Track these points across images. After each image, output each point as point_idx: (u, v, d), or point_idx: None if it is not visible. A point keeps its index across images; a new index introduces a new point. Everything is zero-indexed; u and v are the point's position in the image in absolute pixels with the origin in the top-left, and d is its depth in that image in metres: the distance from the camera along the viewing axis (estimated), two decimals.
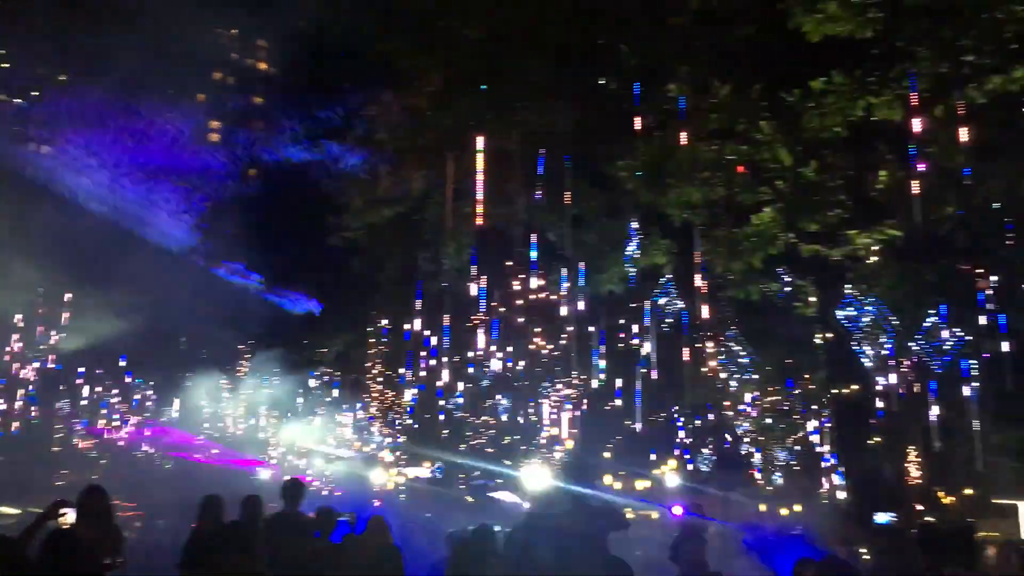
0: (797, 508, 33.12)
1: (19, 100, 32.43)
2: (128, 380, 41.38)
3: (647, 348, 26.60)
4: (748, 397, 29.10)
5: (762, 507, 34.45)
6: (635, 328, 28.40)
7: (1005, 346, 20.28)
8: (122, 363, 40.50)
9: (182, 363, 42.22)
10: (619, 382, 32.45)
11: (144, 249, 33.93)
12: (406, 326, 29.80)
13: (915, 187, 14.87)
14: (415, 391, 32.40)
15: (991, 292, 20.22)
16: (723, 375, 26.43)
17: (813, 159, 16.40)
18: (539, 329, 23.20)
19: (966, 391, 22.23)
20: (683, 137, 16.10)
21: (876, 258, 16.66)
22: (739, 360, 26.89)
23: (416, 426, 37.49)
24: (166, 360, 41.40)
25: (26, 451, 36.41)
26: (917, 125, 14.45)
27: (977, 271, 19.47)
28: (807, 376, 27.18)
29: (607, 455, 38.00)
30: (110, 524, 9.01)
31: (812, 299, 20.21)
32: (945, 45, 14.33)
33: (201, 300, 36.05)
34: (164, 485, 38.66)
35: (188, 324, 39.20)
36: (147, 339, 38.80)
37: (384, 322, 32.62)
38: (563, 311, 22.95)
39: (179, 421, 42.94)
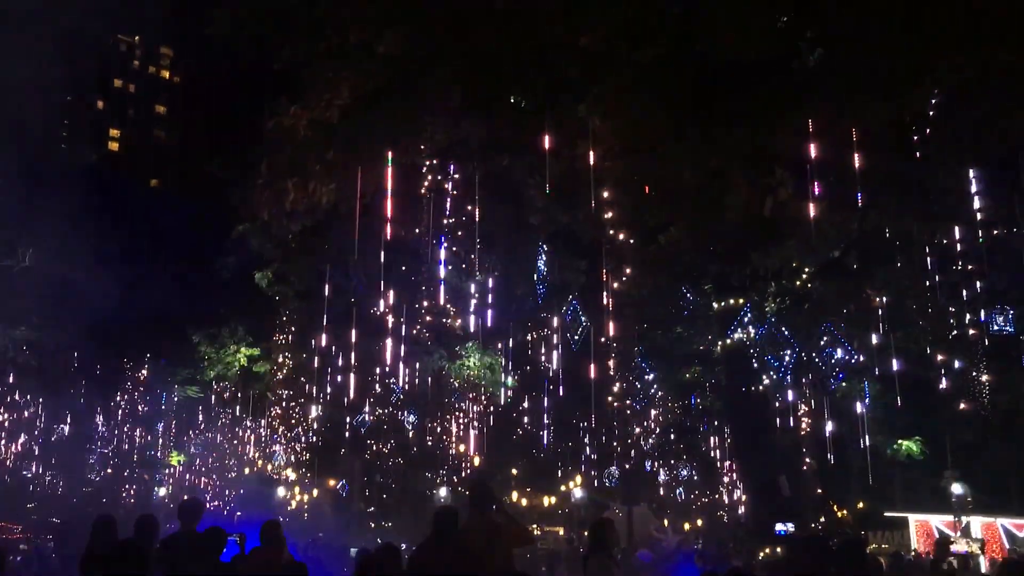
0: (699, 522, 33.78)
1: None
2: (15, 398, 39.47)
3: (554, 363, 26.85)
4: (653, 413, 29.56)
5: (665, 522, 35.00)
6: (543, 345, 28.65)
7: (895, 364, 21.16)
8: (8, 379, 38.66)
9: (75, 380, 40.61)
10: (526, 399, 32.69)
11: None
12: (312, 341, 29.36)
13: (811, 210, 15.43)
14: (319, 408, 31.85)
15: (880, 312, 21.13)
16: (628, 392, 26.80)
17: (716, 179, 16.83)
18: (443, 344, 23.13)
19: (859, 407, 23.07)
20: (591, 156, 16.31)
21: (774, 281, 17.19)
22: (644, 377, 27.34)
23: (320, 443, 36.89)
24: (56, 376, 39.78)
25: None
26: (813, 151, 15.00)
27: (868, 292, 20.32)
28: (709, 393, 27.82)
29: (514, 471, 38.09)
30: None
31: (714, 315, 20.69)
32: (843, 73, 14.91)
33: (95, 315, 35.05)
34: (52, 505, 37.10)
35: (81, 340, 37.95)
36: (35, 355, 37.35)
37: (288, 337, 32.03)
38: (471, 327, 22.95)
39: (70, 439, 41.15)
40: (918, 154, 17.63)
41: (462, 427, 27.72)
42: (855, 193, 16.43)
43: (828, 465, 25.79)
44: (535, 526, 39.49)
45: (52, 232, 33.88)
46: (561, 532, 38.95)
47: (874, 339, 20.53)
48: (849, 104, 14.82)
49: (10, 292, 33.20)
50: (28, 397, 39.34)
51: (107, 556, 7.30)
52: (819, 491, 26.61)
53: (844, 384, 21.79)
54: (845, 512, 28.91)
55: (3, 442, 38.36)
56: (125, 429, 41.81)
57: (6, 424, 38.77)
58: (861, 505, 28.76)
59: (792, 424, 24.10)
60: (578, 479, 38.60)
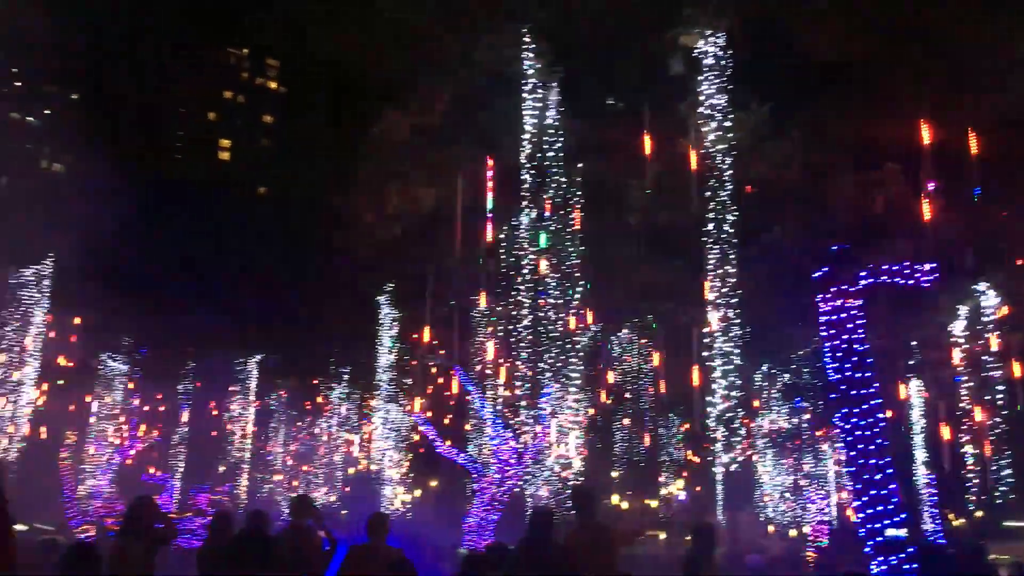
0: (806, 530, 32.90)
1: None
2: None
3: (655, 361, 26.66)
4: (759, 417, 28.97)
5: (771, 528, 34.25)
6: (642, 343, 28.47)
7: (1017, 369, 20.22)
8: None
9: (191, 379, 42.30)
10: (625, 401, 32.50)
11: None
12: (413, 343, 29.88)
13: (925, 206, 14.89)
14: (423, 408, 32.31)
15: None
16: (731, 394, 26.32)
17: (822, 178, 16.45)
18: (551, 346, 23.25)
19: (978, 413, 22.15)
20: (692, 157, 16.16)
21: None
22: (752, 378, 26.82)
23: (422, 449, 37.49)
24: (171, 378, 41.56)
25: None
26: (926, 145, 14.47)
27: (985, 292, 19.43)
28: (814, 396, 27.10)
29: (615, 475, 37.91)
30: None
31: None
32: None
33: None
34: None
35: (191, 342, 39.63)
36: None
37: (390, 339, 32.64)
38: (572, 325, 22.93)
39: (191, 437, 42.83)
40: None
41: (563, 430, 27.69)
42: (972, 187, 15.78)
43: (943, 472, 24.81)
44: (636, 530, 39.21)
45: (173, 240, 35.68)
46: (663, 536, 38.61)
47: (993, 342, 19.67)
48: (959, 96, 14.28)
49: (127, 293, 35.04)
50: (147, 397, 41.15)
51: (227, 549, 7.62)
52: (934, 498, 25.60)
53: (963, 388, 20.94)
54: (962, 520, 27.77)
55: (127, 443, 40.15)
56: (236, 427, 43.29)
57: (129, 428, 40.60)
58: (980, 514, 27.58)
59: (904, 429, 23.28)
60: (680, 483, 38.15)
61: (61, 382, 38.63)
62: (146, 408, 41.32)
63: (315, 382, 41.55)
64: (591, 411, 31.08)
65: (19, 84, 73.41)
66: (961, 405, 22.01)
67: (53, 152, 75.06)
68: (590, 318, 22.59)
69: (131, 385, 39.74)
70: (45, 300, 34.51)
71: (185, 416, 42.10)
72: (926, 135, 14.50)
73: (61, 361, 38.05)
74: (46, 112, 75.78)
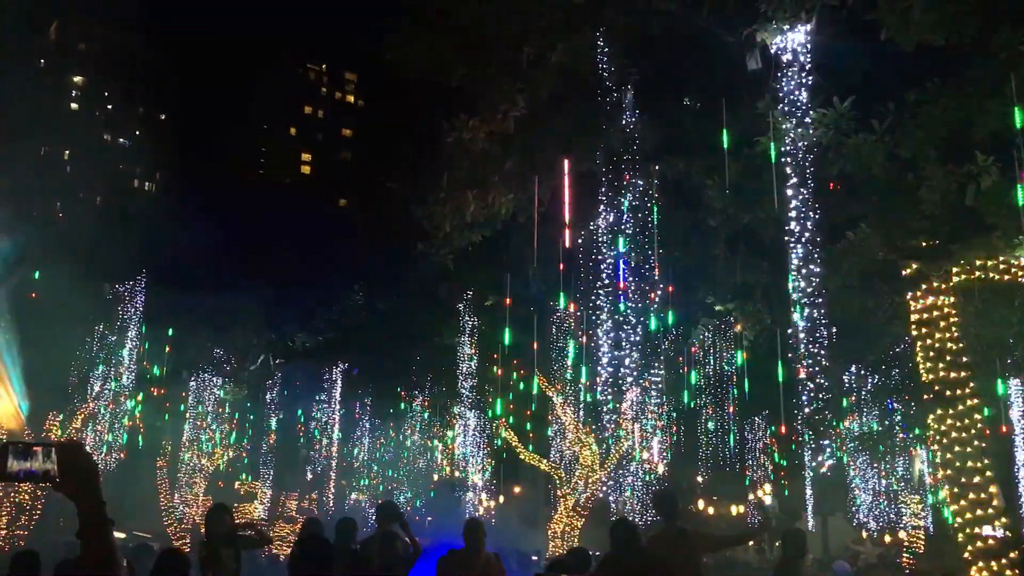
0: (901, 535, 31.89)
1: None
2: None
3: (739, 362, 26.24)
4: (847, 421, 28.24)
5: (863, 533, 33.34)
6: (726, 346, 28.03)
7: None
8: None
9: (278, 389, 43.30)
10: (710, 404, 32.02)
11: None
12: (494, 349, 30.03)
13: (1021, 197, 14.25)
14: (501, 417, 32.43)
15: None
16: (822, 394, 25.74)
17: (909, 172, 15.91)
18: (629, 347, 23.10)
19: None
20: (772, 153, 15.82)
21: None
22: (840, 379, 26.20)
23: (504, 456, 37.64)
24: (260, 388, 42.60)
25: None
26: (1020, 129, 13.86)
27: None
28: (907, 396, 26.26)
29: (700, 479, 37.39)
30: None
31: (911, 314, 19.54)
32: None
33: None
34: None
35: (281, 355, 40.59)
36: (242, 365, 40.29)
37: (469, 350, 32.89)
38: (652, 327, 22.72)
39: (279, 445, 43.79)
40: None
41: (646, 433, 27.48)
42: None
43: None
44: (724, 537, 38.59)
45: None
46: (751, 542, 37.90)
47: None
48: None
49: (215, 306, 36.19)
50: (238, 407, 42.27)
51: (310, 556, 7.80)
52: None
53: None
54: None
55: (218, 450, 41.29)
56: (323, 436, 44.14)
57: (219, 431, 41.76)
58: None
59: (1005, 429, 22.37)
60: (767, 487, 37.42)
61: (156, 392, 40.00)
62: (236, 418, 42.47)
63: (398, 390, 42.13)
64: (674, 415, 30.76)
65: (110, 107, 76.47)
66: None
67: (143, 172, 78.04)
68: (671, 319, 22.35)
69: (222, 395, 40.86)
70: (139, 314, 35.82)
71: (273, 424, 43.13)
72: (1020, 122, 13.89)
73: (155, 372, 39.40)
74: (136, 133, 78.78)
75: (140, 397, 38.66)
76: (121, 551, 3.29)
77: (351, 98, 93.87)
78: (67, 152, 67.92)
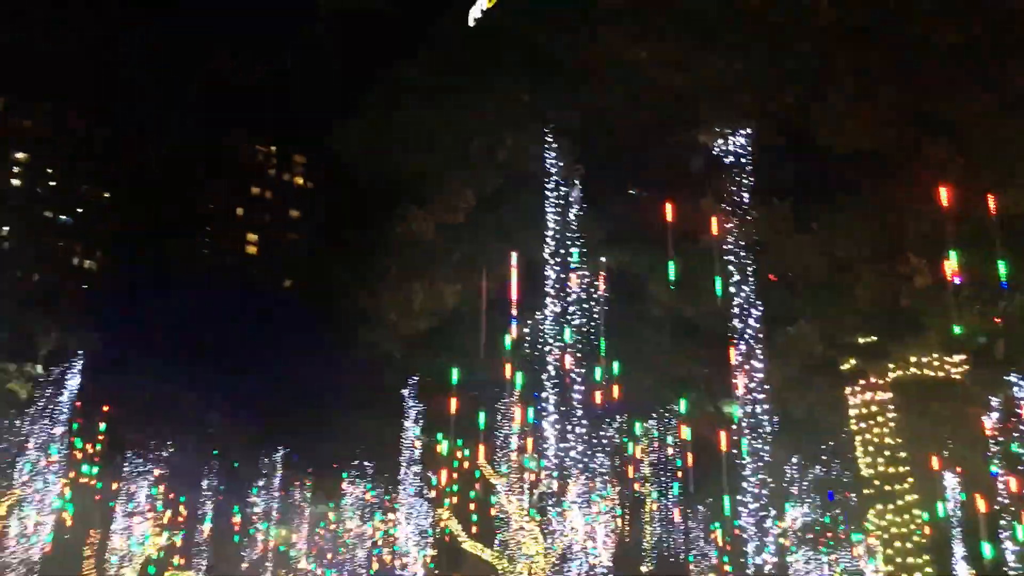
0: None
1: None
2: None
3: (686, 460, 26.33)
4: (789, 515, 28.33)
5: None
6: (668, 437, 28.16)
7: None
8: None
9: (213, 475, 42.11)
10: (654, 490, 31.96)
11: None
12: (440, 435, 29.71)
13: (952, 298, 14.81)
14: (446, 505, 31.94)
15: None
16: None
17: (845, 271, 16.44)
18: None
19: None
20: (715, 253, 16.24)
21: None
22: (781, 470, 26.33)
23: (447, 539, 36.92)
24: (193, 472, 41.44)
25: None
26: (950, 236, 14.48)
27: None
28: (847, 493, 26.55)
29: (643, 569, 37.01)
30: None
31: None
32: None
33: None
34: None
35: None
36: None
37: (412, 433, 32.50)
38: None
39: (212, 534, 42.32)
40: None
41: (591, 523, 27.20)
42: (998, 278, 15.65)
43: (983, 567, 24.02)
44: None
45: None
46: None
47: None
48: (984, 188, 14.34)
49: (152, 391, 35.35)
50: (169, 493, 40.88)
51: None
52: None
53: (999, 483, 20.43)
54: None
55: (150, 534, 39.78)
56: (258, 525, 42.88)
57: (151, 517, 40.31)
58: None
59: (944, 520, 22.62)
60: None
61: (86, 479, 38.59)
62: (171, 502, 41.06)
63: (340, 476, 41.29)
64: (619, 505, 30.57)
65: (53, 184, 75.55)
66: (999, 499, 21.44)
67: (84, 249, 76.80)
68: (616, 412, 22.43)
69: (155, 480, 39.53)
70: (71, 396, 34.68)
71: (208, 510, 41.79)
72: (949, 227, 14.53)
73: (85, 465, 38.05)
74: (78, 210, 77.76)
75: (68, 480, 37.11)
76: None
77: (299, 180, 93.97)
78: (6, 228, 66.63)
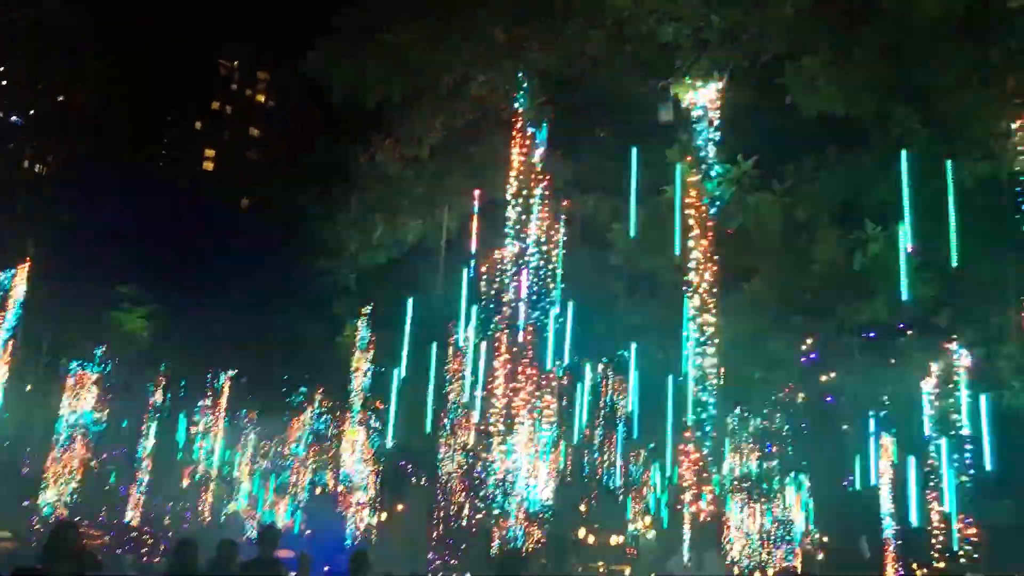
0: (770, 573, 32.97)
1: None
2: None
3: (629, 405, 26.73)
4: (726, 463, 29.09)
5: (736, 571, 34.25)
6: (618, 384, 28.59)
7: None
8: None
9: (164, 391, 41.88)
10: (599, 437, 32.56)
11: None
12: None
13: (903, 267, 15.11)
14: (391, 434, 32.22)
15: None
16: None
17: (803, 232, 16.67)
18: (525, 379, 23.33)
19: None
20: (677, 202, 16.31)
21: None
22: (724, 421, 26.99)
23: (393, 467, 37.36)
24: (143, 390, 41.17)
25: None
26: (907, 208, 14.72)
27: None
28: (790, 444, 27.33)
29: (583, 508, 37.86)
30: (81, 562, 8.94)
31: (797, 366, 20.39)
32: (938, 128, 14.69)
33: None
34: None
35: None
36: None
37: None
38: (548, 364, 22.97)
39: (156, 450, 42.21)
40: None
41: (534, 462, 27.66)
42: (947, 250, 15.99)
43: (910, 525, 25.01)
44: (601, 564, 39.21)
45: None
46: (628, 572, 38.58)
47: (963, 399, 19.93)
48: (945, 162, 14.58)
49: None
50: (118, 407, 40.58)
51: None
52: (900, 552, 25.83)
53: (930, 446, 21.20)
54: (925, 572, 27.95)
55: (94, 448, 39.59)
56: (203, 443, 42.89)
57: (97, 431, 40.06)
58: (942, 566, 27.80)
59: (874, 483, 23.48)
60: (647, 519, 38.18)
61: (28, 388, 38.12)
62: (114, 418, 40.78)
63: (287, 400, 41.34)
64: (564, 445, 31.07)
65: (3, 83, 72.93)
66: (930, 462, 22.24)
67: (35, 152, 74.62)
68: (567, 355, 22.62)
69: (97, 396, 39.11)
70: (18, 303, 34.02)
71: (153, 429, 41.59)
72: (906, 198, 14.77)
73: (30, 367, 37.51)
74: (30, 112, 75.28)
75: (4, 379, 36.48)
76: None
77: (262, 97, 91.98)
78: None
